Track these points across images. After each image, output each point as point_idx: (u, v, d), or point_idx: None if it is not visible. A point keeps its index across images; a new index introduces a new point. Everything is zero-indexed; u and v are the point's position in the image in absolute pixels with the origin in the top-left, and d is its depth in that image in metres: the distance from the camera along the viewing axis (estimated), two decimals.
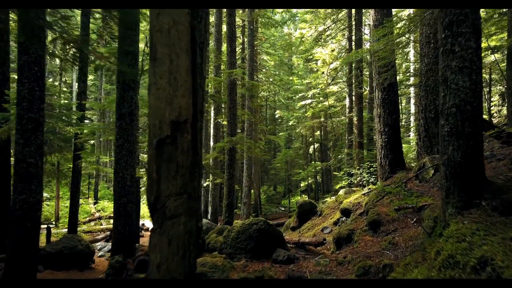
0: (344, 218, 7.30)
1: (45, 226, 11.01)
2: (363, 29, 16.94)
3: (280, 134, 29.23)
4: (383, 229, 5.27)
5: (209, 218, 15.77)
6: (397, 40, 8.28)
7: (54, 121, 9.65)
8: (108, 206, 20.89)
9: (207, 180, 15.27)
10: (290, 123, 26.47)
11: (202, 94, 5.03)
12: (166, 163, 3.36)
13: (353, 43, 17.11)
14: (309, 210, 9.20)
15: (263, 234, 5.33)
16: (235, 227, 5.60)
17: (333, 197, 13.92)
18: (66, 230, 13.27)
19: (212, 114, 15.62)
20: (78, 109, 10.30)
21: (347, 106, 17.98)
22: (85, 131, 7.90)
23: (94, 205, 20.59)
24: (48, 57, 22.60)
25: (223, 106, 17.03)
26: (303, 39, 17.98)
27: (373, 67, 8.17)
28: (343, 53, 19.06)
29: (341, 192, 11.93)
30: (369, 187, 8.02)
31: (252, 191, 23.48)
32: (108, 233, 13.47)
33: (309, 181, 26.32)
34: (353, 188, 13.56)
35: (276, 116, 31.58)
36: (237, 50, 23.93)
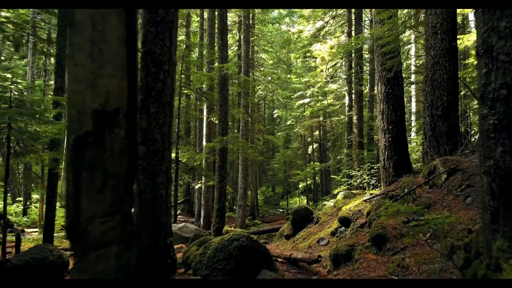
0: (343, 228, 6.33)
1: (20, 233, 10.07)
2: (363, 24, 15.97)
3: (278, 134, 28.26)
4: (390, 246, 4.31)
5: (201, 222, 14.82)
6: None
7: (26, 119, 8.71)
8: None
9: (199, 182, 14.32)
10: (288, 123, 25.50)
11: (171, 83, 3.99)
12: (87, 171, 2.33)
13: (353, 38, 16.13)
14: (305, 217, 8.24)
15: (245, 252, 4.37)
16: (213, 243, 4.64)
17: (331, 201, 12.95)
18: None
19: (205, 113, 14.68)
20: (54, 106, 9.38)
21: (346, 104, 17.02)
22: (48, 129, 6.97)
23: None
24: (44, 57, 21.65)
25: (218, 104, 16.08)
26: (300, 34, 17.01)
27: (376, 57, 7.22)
28: (343, 53, 18.05)
29: (340, 195, 11.01)
30: (370, 192, 7.05)
31: (249, 192, 22.52)
32: None
33: (308, 182, 25.35)
34: (352, 191, 12.62)
35: (274, 116, 30.61)
36: (233, 47, 22.98)
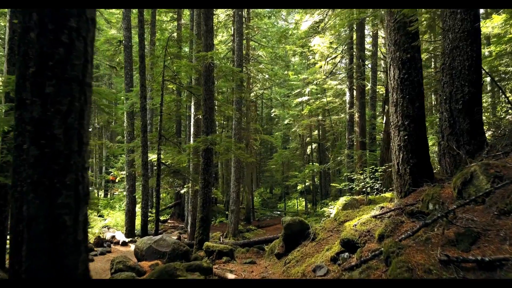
0: (347, 253, 4.73)
1: None
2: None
3: (276, 134, 26.64)
4: None
5: (188, 229, 13.24)
6: None
7: None
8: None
9: (185, 186, 12.74)
10: (286, 122, 23.87)
11: (83, 50, 2.44)
12: None
13: (354, 29, 14.56)
14: (299, 232, 6.65)
15: None
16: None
17: (331, 208, 11.35)
18: None
19: (192, 110, 13.09)
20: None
21: (347, 101, 15.41)
22: None
23: None
24: None
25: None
26: (298, 25, 15.44)
27: (387, 34, 5.64)
28: (344, 46, 16.47)
29: (340, 204, 9.47)
30: (381, 205, 5.46)
31: (244, 195, 20.96)
32: None
33: (307, 183, 23.74)
34: (355, 197, 11.06)
35: (272, 115, 28.98)
36: (229, 43, 21.41)
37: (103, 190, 23.59)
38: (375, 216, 5.05)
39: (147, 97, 15.16)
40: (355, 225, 5.26)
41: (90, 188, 24.36)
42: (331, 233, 6.25)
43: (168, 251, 8.57)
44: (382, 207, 5.31)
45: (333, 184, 12.40)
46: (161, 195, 21.65)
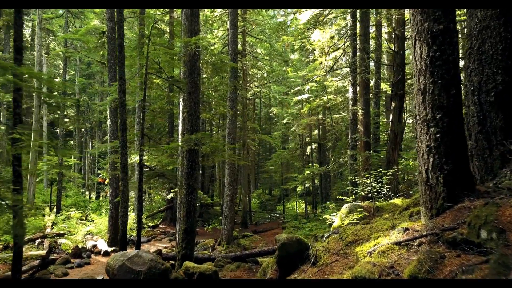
0: None
1: None
2: None
3: (274, 133, 25.20)
4: None
5: (176, 237, 11.84)
6: None
7: None
8: (75, 216, 16.94)
9: (172, 191, 11.33)
10: (285, 121, 22.42)
11: None
12: None
13: (358, 19, 13.14)
14: (296, 253, 5.24)
15: None
16: None
17: (334, 216, 9.95)
18: None
19: (180, 107, 11.68)
20: None
21: (350, 97, 13.96)
22: None
23: (57, 215, 16.61)
24: None
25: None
26: (296, 15, 14.04)
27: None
28: (346, 39, 15.06)
29: (343, 212, 8.07)
30: (403, 226, 4.02)
31: (241, 197, 19.54)
32: (37, 261, 9.55)
33: (307, 185, 22.30)
34: (359, 203, 9.67)
35: (271, 115, 27.54)
36: (225, 37, 20.00)
37: (95, 192, 22.22)
38: (398, 243, 3.63)
39: (135, 92, 13.74)
40: (370, 253, 3.84)
41: (82, 190, 22.66)
42: (336, 257, 4.82)
43: (143, 270, 7.14)
44: (407, 229, 3.88)
45: (339, 197, 10.94)
46: (155, 197, 20.24)
